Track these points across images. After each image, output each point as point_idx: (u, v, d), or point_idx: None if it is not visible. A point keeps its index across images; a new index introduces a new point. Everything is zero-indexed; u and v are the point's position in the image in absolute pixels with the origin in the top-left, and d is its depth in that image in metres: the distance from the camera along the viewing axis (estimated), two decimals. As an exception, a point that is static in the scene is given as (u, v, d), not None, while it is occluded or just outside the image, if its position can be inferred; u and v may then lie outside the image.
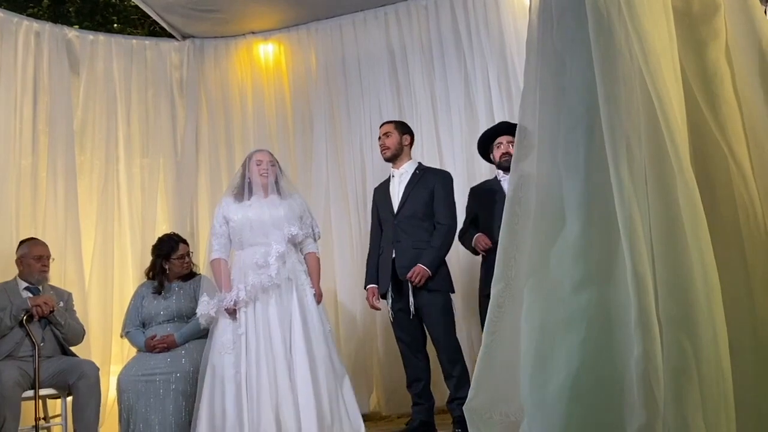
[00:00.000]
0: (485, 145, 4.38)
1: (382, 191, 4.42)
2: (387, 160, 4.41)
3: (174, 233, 4.73)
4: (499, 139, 4.26)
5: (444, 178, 4.30)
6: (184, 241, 4.63)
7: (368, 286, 4.34)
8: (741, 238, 1.89)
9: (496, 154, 4.26)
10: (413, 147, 4.51)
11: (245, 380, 3.75)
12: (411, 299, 4.08)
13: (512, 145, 4.06)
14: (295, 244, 4.03)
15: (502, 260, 2.12)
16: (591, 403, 1.74)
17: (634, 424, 1.66)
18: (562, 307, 1.81)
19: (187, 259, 4.52)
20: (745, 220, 1.90)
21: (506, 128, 4.27)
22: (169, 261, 4.49)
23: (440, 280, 4.10)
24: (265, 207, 4.01)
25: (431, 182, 4.23)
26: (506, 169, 4.15)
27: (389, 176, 4.42)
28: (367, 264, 4.43)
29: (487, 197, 4.25)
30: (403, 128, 4.42)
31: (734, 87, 2.05)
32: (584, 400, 1.73)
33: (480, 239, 4.13)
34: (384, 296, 4.24)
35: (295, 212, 4.04)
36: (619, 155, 1.78)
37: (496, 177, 4.31)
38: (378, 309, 4.33)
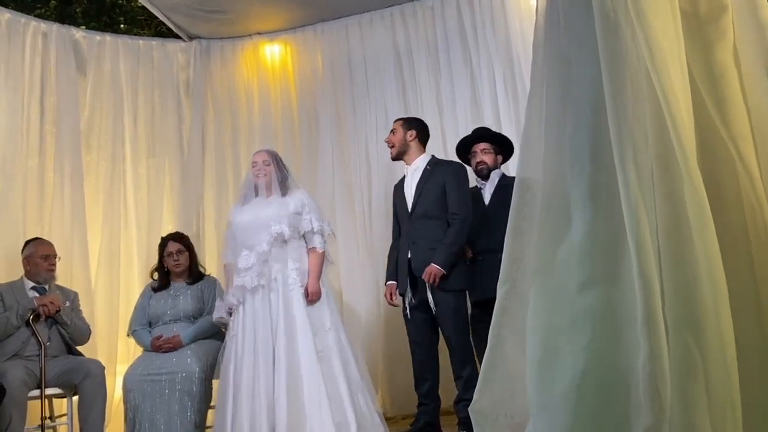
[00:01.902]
0: (463, 152, 4.42)
1: (398, 189, 4.40)
2: (393, 158, 4.40)
3: (173, 232, 4.74)
4: (473, 148, 4.31)
5: (454, 170, 4.24)
6: (178, 239, 4.58)
7: (387, 283, 4.34)
8: (748, 238, 1.89)
9: (473, 162, 4.31)
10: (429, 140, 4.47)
11: (232, 382, 3.76)
12: (430, 297, 4.04)
13: (485, 153, 4.23)
14: (286, 241, 3.94)
15: (507, 261, 2.12)
16: (597, 404, 1.73)
17: (640, 425, 1.66)
18: (567, 308, 1.81)
19: (176, 257, 4.47)
20: (752, 220, 1.89)
21: (481, 136, 4.34)
22: (163, 259, 4.52)
23: (454, 279, 4.06)
24: (256, 209, 4.01)
25: (441, 176, 4.18)
26: (483, 177, 4.24)
27: (404, 174, 4.40)
28: (388, 259, 4.42)
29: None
30: (409, 124, 4.36)
31: (741, 87, 2.04)
32: (590, 401, 1.73)
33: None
34: (403, 294, 4.21)
35: (287, 209, 3.97)
36: (626, 155, 1.78)
37: (477, 185, 4.32)
38: (396, 305, 4.30)
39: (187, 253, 4.51)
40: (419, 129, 4.36)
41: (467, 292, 4.21)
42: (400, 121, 4.40)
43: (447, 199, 4.13)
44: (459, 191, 4.15)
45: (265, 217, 3.94)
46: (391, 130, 4.38)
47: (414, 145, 4.30)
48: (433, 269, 4.00)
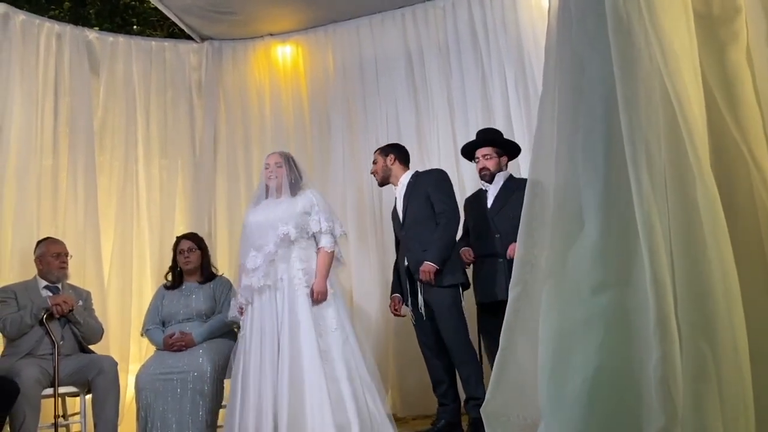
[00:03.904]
0: (470, 156, 4.45)
1: (393, 211, 4.51)
2: (380, 185, 4.54)
3: (187, 233, 4.78)
4: (476, 154, 4.33)
5: (434, 176, 4.36)
6: (190, 238, 4.63)
7: (392, 296, 4.44)
8: (761, 239, 1.88)
9: (477, 168, 4.33)
10: (411, 160, 4.56)
11: (240, 381, 3.78)
12: (420, 299, 4.14)
13: (487, 159, 4.23)
14: (292, 241, 3.94)
15: (519, 263, 2.12)
16: (609, 406, 1.73)
17: (652, 427, 1.66)
18: (580, 310, 1.81)
19: (187, 254, 4.51)
20: (765, 222, 1.89)
21: (483, 141, 4.34)
22: (176, 257, 4.56)
23: (447, 274, 4.12)
24: (267, 209, 4.03)
25: (424, 184, 4.29)
26: (488, 181, 4.25)
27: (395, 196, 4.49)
28: (393, 273, 4.52)
29: (473, 208, 4.35)
30: (385, 150, 4.49)
31: (755, 89, 2.03)
32: (602, 403, 1.73)
33: (464, 253, 4.22)
34: (407, 304, 4.31)
35: (295, 209, 3.98)
36: (639, 157, 1.77)
37: (482, 188, 4.33)
38: (402, 316, 4.40)
39: (198, 252, 4.53)
40: (397, 152, 4.49)
41: (473, 291, 4.26)
42: (378, 151, 4.54)
43: (432, 203, 4.22)
44: (441, 192, 4.25)
45: (274, 217, 3.96)
46: (373, 161, 4.50)
47: (396, 168, 4.43)
48: (427, 266, 4.07)
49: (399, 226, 4.36)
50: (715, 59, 2.00)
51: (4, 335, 4.13)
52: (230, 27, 5.78)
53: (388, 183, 4.47)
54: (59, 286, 4.33)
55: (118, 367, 4.21)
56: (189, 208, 5.70)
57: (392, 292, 4.45)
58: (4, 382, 3.73)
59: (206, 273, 4.54)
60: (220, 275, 4.60)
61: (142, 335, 4.54)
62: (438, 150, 5.34)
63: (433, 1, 5.56)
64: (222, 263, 5.02)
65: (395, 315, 4.43)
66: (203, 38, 5.97)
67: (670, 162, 1.78)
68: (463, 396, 4.16)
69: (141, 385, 4.08)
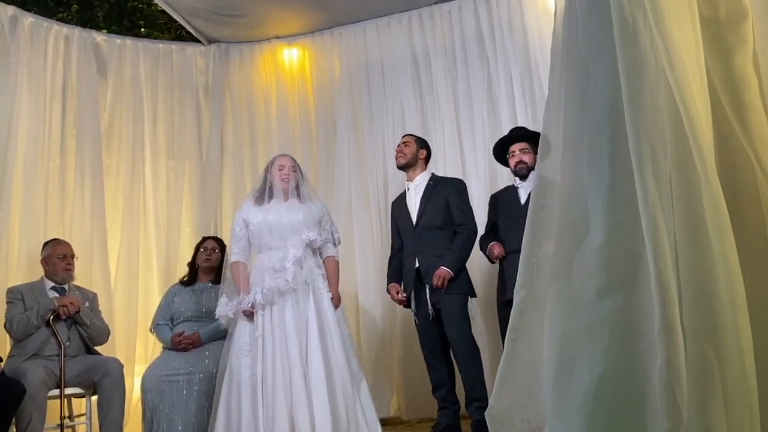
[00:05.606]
0: (501, 152, 4.42)
1: (399, 204, 4.52)
2: (400, 167, 4.50)
3: (214, 236, 4.90)
4: (511, 148, 4.30)
5: (457, 186, 4.40)
6: (216, 240, 4.75)
7: (390, 285, 4.43)
8: (766, 243, 1.87)
9: (511, 162, 4.30)
10: (430, 161, 4.58)
11: (261, 383, 3.76)
12: (428, 302, 4.16)
13: (525, 153, 4.18)
14: (314, 248, 4.03)
15: (524, 266, 2.12)
16: (613, 411, 1.73)
17: (656, 431, 1.65)
18: (585, 314, 1.80)
19: (209, 252, 4.59)
20: (772, 227, 1.88)
21: (519, 136, 4.31)
22: (197, 254, 4.63)
23: (459, 282, 4.16)
24: (284, 211, 4.03)
25: (445, 192, 4.32)
26: (522, 177, 4.21)
27: (405, 189, 4.49)
28: (388, 268, 4.52)
29: (504, 205, 4.31)
30: (422, 143, 4.51)
31: (761, 93, 2.03)
32: (607, 407, 1.73)
33: (493, 247, 4.18)
34: (409, 304, 4.31)
35: (313, 217, 4.05)
36: (644, 161, 1.77)
37: (513, 184, 4.32)
38: (402, 300, 4.36)
39: (219, 254, 4.61)
40: (429, 151, 4.53)
41: (498, 294, 4.26)
42: (414, 137, 4.54)
43: (451, 212, 4.26)
44: (464, 204, 4.32)
45: (296, 221, 3.99)
46: (404, 142, 4.49)
47: (421, 163, 4.46)
48: (443, 271, 4.10)
49: (409, 226, 4.35)
50: (722, 63, 2.00)
51: (11, 336, 4.15)
52: (237, 29, 5.80)
53: (406, 170, 4.46)
54: (66, 287, 4.34)
55: (124, 369, 4.23)
56: (196, 209, 5.72)
57: (389, 282, 4.45)
58: (10, 382, 3.74)
59: (220, 275, 4.60)
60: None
61: (151, 331, 4.56)
62: (444, 152, 5.33)
63: (439, 4, 5.57)
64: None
65: (396, 300, 4.41)
66: (210, 41, 5.99)
67: (676, 165, 1.78)
68: (463, 398, 4.17)
69: (147, 386, 4.10)
